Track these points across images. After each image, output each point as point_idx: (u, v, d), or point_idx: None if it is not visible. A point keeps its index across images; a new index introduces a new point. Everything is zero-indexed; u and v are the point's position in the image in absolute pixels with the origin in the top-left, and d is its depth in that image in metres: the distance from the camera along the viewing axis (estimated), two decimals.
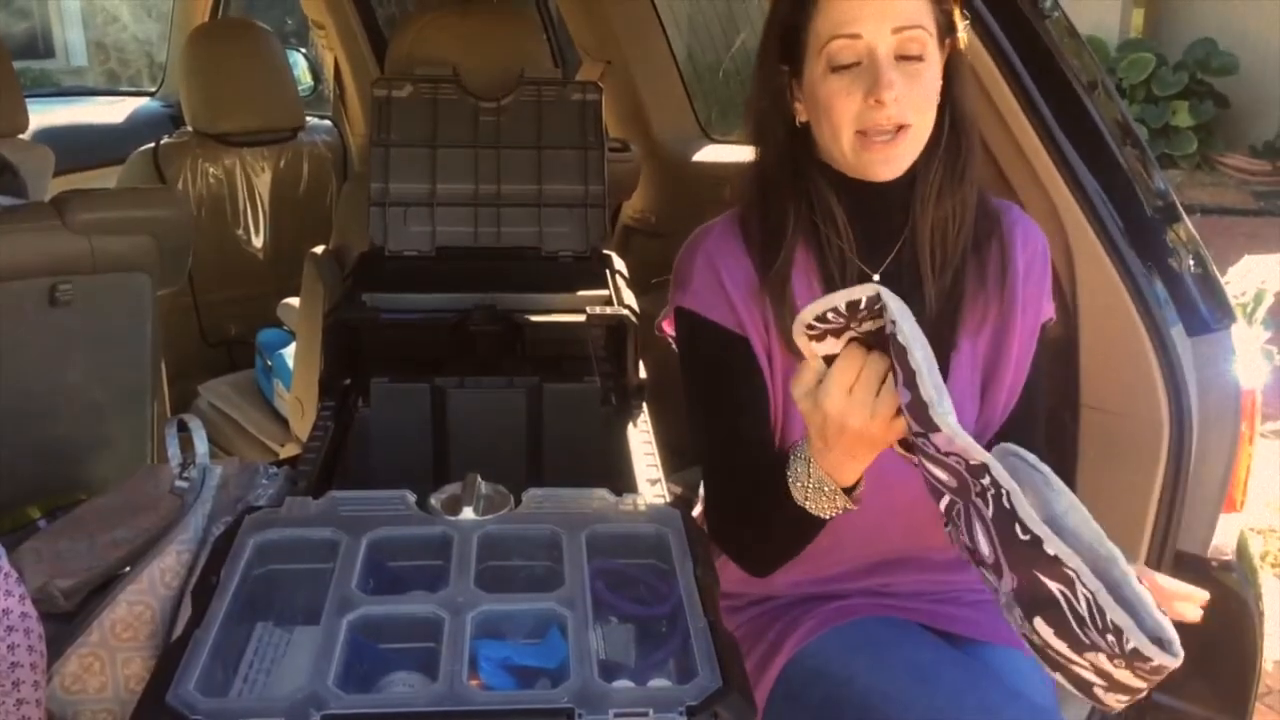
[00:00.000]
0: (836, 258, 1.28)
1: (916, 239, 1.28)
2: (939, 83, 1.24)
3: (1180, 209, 1.55)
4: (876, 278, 1.30)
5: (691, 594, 0.95)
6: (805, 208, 1.28)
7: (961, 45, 1.27)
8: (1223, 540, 1.57)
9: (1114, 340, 1.53)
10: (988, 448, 1.36)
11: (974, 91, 1.33)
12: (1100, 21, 6.84)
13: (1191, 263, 1.54)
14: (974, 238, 1.30)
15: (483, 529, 1.04)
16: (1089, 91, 1.52)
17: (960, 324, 1.30)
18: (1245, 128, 6.82)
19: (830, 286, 1.29)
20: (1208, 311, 1.53)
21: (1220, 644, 1.51)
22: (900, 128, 1.19)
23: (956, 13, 1.26)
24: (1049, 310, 1.35)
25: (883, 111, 1.17)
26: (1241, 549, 1.61)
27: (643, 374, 1.62)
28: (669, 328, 1.37)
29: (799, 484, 1.14)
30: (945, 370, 1.31)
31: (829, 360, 1.05)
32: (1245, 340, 1.58)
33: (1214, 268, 1.56)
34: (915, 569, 1.36)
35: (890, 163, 1.22)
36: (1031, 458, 1.07)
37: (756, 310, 1.28)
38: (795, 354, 1.28)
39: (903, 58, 1.18)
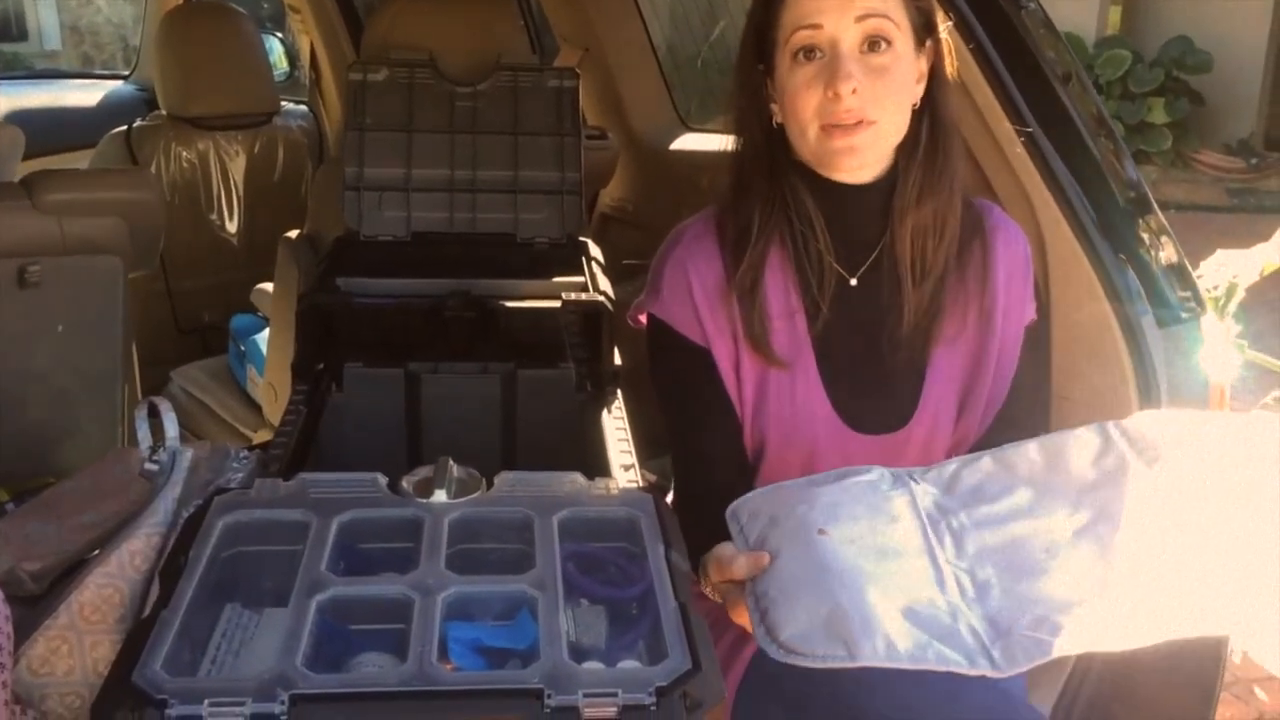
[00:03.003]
0: (814, 261, 1.27)
1: (896, 246, 1.27)
2: (911, 81, 1.23)
3: (1152, 200, 1.56)
4: (854, 281, 1.30)
5: (662, 577, 0.95)
6: (779, 209, 1.27)
7: (945, 49, 1.26)
8: None
9: (1086, 331, 1.54)
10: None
11: (957, 98, 1.32)
12: (1078, 19, 6.87)
13: (1163, 254, 1.55)
14: (957, 246, 1.29)
15: (454, 512, 1.03)
16: (1064, 83, 1.52)
17: (938, 336, 1.29)
18: (1220, 125, 6.87)
19: (806, 291, 1.29)
20: (1179, 303, 1.54)
21: None
22: (861, 123, 1.18)
23: (938, 14, 1.25)
24: (1031, 313, 1.35)
25: (841, 105, 1.17)
26: None
27: (618, 360, 1.62)
28: (642, 319, 1.37)
29: (706, 585, 1.11)
30: (920, 382, 1.32)
31: None
32: (1215, 333, 1.59)
33: (1185, 259, 1.57)
34: None
35: (854, 153, 1.20)
36: None
37: (724, 316, 1.28)
38: (764, 357, 1.29)
39: (869, 50, 1.18)
